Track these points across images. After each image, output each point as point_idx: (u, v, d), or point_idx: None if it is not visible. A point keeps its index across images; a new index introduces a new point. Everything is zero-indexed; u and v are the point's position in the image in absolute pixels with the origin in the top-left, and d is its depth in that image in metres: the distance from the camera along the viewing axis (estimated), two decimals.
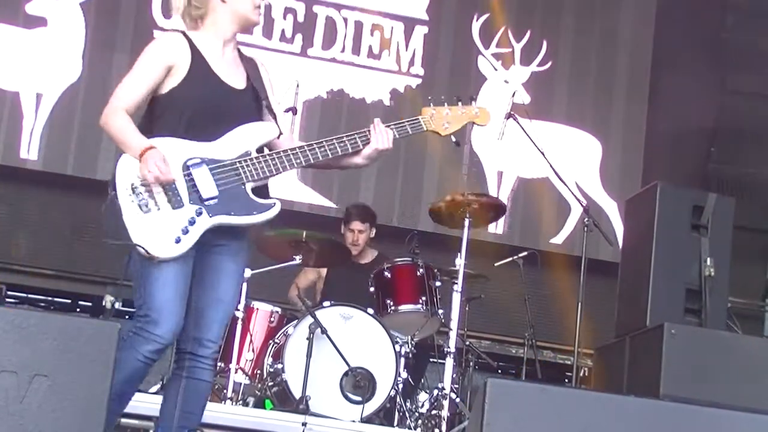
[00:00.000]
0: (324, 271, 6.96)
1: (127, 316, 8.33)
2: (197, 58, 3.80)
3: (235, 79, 3.87)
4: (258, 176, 3.73)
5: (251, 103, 3.86)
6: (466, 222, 6.13)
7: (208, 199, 3.67)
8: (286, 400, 5.60)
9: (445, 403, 5.76)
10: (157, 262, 3.63)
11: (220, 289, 3.80)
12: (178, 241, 3.63)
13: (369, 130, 3.84)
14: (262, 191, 3.80)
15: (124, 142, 3.72)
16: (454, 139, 4.03)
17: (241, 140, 3.77)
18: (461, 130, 4.04)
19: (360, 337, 5.71)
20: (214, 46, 3.85)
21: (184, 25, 3.92)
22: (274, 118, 3.89)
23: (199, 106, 3.75)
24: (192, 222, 3.65)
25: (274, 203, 3.78)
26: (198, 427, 3.93)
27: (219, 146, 3.74)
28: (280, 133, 3.86)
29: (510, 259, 7.46)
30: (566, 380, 8.14)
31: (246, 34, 4.80)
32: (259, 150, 3.82)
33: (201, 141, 3.73)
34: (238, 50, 3.97)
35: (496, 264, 7.54)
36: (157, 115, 3.79)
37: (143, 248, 3.59)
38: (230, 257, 3.82)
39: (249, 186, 3.72)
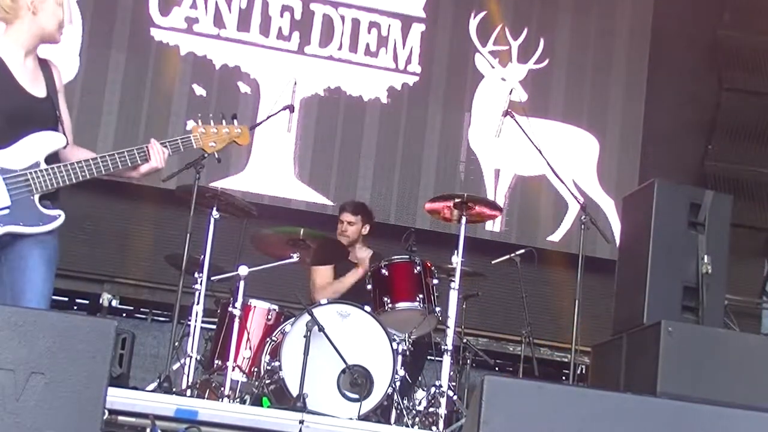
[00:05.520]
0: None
1: (124, 314, 8.37)
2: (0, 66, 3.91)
3: (36, 87, 4.01)
4: (46, 187, 3.94)
5: (50, 111, 4.01)
6: (463, 219, 6.12)
7: (1, 209, 3.88)
8: (283, 398, 5.59)
9: (443, 400, 5.76)
10: None
11: (29, 270, 3.97)
12: None
13: (147, 148, 4.09)
14: (48, 198, 3.99)
15: None
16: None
17: (30, 149, 3.94)
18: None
19: (357, 335, 5.70)
20: (15, 53, 3.97)
21: None
22: (62, 125, 4.04)
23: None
24: None
25: (59, 215, 4.00)
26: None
27: (11, 154, 3.90)
28: (67, 143, 4.03)
29: (507, 256, 7.45)
30: (563, 378, 8.15)
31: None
32: (49, 159, 3.98)
33: None
34: (38, 57, 4.08)
35: (493, 261, 7.55)
36: None
37: None
38: (35, 243, 3.96)
39: (37, 197, 3.94)
